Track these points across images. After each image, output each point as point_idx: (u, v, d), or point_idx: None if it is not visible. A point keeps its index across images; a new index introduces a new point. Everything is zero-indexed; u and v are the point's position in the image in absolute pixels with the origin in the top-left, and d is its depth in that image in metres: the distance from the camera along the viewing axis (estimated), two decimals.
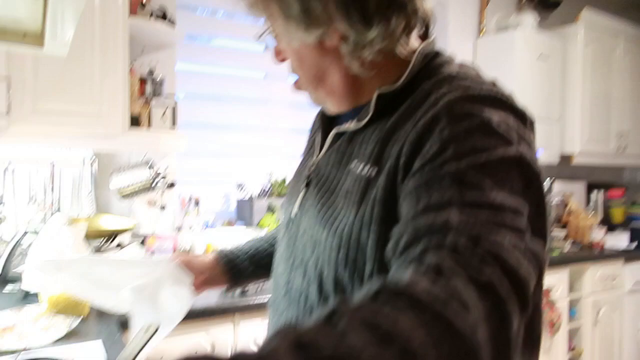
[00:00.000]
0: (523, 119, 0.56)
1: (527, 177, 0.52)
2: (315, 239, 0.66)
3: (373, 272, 0.59)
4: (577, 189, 3.26)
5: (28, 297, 1.51)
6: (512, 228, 0.47)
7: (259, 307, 1.56)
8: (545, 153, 2.85)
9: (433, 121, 0.55)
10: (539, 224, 0.51)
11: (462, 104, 0.54)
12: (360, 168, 0.63)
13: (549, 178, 3.06)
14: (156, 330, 0.71)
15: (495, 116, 0.53)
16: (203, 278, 0.89)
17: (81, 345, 1.17)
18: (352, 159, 0.65)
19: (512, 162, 0.51)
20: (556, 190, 3.08)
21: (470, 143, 0.52)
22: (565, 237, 2.89)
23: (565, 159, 2.99)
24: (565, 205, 3.02)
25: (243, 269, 0.94)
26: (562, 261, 2.52)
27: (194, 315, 1.48)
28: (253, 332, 1.58)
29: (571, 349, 2.64)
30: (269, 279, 0.88)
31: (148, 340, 0.71)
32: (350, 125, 0.67)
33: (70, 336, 1.22)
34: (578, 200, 3.19)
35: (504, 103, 0.56)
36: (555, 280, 2.48)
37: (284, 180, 2.46)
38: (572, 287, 2.61)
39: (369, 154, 0.63)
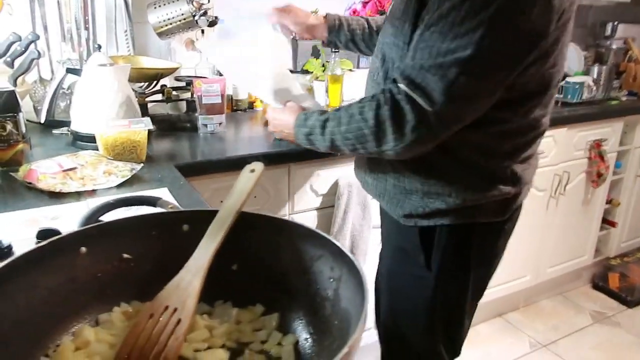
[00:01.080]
0: None
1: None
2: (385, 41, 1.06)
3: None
4: None
5: (78, 140, 1.44)
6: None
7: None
8: None
9: None
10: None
11: None
12: None
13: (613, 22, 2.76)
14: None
15: None
16: (310, 24, 1.32)
17: (150, 193, 1.10)
18: None
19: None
20: (619, 34, 2.79)
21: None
22: (621, 87, 2.68)
23: None
24: (627, 52, 2.75)
25: (342, 36, 1.35)
26: (618, 112, 2.37)
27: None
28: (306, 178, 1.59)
29: (608, 201, 2.61)
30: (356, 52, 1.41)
31: (256, 180, 0.64)
32: None
33: (133, 182, 1.16)
34: None
35: None
36: (608, 132, 2.35)
37: None
38: (622, 141, 2.48)
39: None
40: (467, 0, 0.82)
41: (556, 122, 2.09)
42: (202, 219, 0.60)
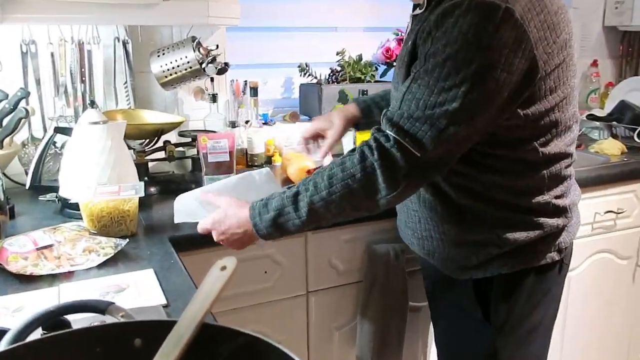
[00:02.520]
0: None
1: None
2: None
3: None
4: None
5: (67, 208, 1.43)
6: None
7: None
8: None
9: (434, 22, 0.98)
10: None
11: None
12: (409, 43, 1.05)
13: None
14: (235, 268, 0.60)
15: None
16: (342, 126, 1.39)
17: (132, 275, 1.06)
18: (411, 36, 1.05)
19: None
20: None
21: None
22: None
23: None
24: None
25: (376, 115, 1.40)
26: None
27: None
28: None
29: None
30: None
31: (227, 281, 0.58)
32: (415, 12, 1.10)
33: (118, 260, 1.14)
34: None
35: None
36: None
37: (359, 59, 2.21)
38: None
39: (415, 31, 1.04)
40: (448, 59, 0.93)
41: (638, 175, 1.97)
42: (157, 332, 0.54)
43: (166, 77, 1.71)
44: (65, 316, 0.70)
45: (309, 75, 2.19)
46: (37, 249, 1.11)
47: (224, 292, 0.59)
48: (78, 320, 0.72)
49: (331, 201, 1.01)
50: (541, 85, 0.99)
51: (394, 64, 2.26)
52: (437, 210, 1.14)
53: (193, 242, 1.31)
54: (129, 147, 1.58)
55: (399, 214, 1.29)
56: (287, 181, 1.75)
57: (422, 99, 0.96)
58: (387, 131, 0.99)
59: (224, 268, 0.60)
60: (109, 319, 0.65)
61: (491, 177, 1.07)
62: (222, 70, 1.75)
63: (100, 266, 1.11)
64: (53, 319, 0.64)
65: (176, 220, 1.26)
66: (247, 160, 1.97)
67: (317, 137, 1.42)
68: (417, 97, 0.97)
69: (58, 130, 1.53)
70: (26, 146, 1.70)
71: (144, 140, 1.72)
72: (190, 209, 1.26)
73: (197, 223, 1.18)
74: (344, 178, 1.00)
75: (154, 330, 0.55)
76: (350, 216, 1.06)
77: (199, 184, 1.66)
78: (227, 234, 1.12)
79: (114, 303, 0.67)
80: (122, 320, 0.64)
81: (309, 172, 1.70)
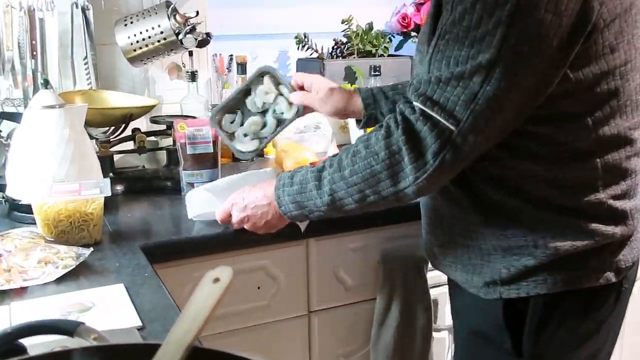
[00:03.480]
0: None
1: None
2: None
3: None
4: None
5: (15, 211, 1.44)
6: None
7: None
8: None
9: None
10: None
11: None
12: None
13: None
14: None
15: None
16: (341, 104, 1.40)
17: (99, 291, 1.08)
18: None
19: None
20: None
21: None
22: None
23: None
24: None
25: (383, 106, 1.40)
26: None
27: None
28: None
29: None
30: None
31: (221, 296, 0.58)
32: None
33: (80, 274, 1.15)
34: None
35: None
36: None
37: (369, 29, 2.22)
38: None
39: None
40: (478, 2, 0.93)
41: None
42: (139, 357, 0.55)
43: (135, 50, 1.71)
44: (21, 340, 0.71)
45: (308, 48, 2.21)
46: None
47: (217, 310, 0.60)
48: (35, 346, 0.73)
49: (352, 183, 1.05)
50: (597, 38, 0.96)
51: (412, 34, 2.29)
52: (461, 205, 1.13)
53: (172, 250, 1.32)
54: (91, 137, 1.59)
55: (422, 214, 1.30)
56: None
57: (451, 56, 0.97)
58: (413, 102, 1.00)
59: (216, 280, 0.60)
60: (77, 343, 0.66)
61: (529, 165, 1.04)
62: (202, 42, 1.75)
63: (59, 280, 1.11)
64: (8, 343, 0.65)
65: (190, 215, 1.39)
66: (233, 153, 1.98)
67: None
68: (446, 54, 0.97)
69: (3, 116, 1.54)
70: None
71: (108, 128, 1.73)
72: (203, 201, 1.36)
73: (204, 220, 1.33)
74: (366, 156, 1.03)
75: (135, 356, 0.56)
76: (375, 206, 1.08)
77: (175, 180, 1.67)
78: (250, 210, 1.22)
79: (83, 323, 0.68)
80: (94, 343, 0.65)
81: (311, 165, 1.71)
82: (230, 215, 1.26)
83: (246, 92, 1.48)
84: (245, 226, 1.24)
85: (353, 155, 1.05)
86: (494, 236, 1.10)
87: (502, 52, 0.92)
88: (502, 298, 1.12)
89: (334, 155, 1.11)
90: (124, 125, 1.71)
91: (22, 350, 0.71)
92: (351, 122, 2.01)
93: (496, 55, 0.92)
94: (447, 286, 1.36)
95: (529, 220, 1.07)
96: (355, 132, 1.94)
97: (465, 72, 0.94)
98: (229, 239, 1.37)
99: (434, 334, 1.63)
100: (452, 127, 0.96)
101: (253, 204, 1.20)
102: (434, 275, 1.56)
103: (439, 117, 0.96)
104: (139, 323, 0.97)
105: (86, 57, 1.82)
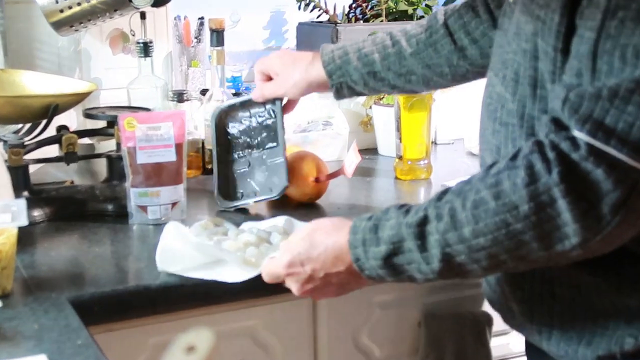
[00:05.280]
0: None
1: None
2: None
3: None
4: None
5: None
6: None
7: None
8: None
9: None
10: None
11: None
12: None
13: None
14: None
15: None
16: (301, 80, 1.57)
17: None
18: None
19: None
20: None
21: None
22: None
23: None
24: None
25: (353, 73, 1.55)
26: None
27: None
28: None
29: None
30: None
31: None
32: None
33: None
34: None
35: None
36: None
37: None
38: None
39: None
40: None
41: None
42: None
43: (61, 11, 1.74)
44: None
45: (313, 8, 2.23)
46: None
47: None
48: None
49: (478, 247, 1.03)
50: None
51: None
52: None
53: (116, 306, 1.33)
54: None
55: None
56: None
57: (630, 45, 0.94)
58: (575, 130, 0.98)
59: (191, 350, 0.62)
60: None
61: None
62: (160, 1, 1.77)
63: None
64: None
65: (161, 267, 1.38)
66: (204, 162, 1.99)
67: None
68: (622, 43, 0.94)
69: None
70: None
71: (21, 126, 1.74)
72: (193, 247, 1.37)
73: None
74: (498, 211, 1.01)
75: None
76: (515, 270, 1.11)
77: (119, 202, 1.67)
78: (319, 280, 1.19)
79: None
80: None
81: (316, 181, 1.71)
82: (283, 281, 1.25)
83: None
84: (306, 294, 1.23)
85: (474, 207, 1.03)
86: (617, 291, 1.11)
87: None
88: None
89: (439, 197, 1.08)
90: (45, 122, 1.71)
91: None
92: (377, 116, 2.03)
93: None
94: (523, 359, 1.37)
95: None
96: (384, 137, 1.95)
97: None
98: (199, 289, 1.37)
99: None
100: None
101: (323, 271, 1.18)
102: (501, 344, 1.56)
103: (619, 153, 0.94)
104: None
105: None
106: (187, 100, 1.97)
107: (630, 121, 0.93)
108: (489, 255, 1.03)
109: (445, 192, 1.08)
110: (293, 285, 1.21)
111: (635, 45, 0.93)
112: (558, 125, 1.00)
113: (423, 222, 1.06)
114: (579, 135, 0.96)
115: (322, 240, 1.17)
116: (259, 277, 1.29)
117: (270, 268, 1.23)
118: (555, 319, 1.17)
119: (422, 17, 2.24)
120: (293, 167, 1.77)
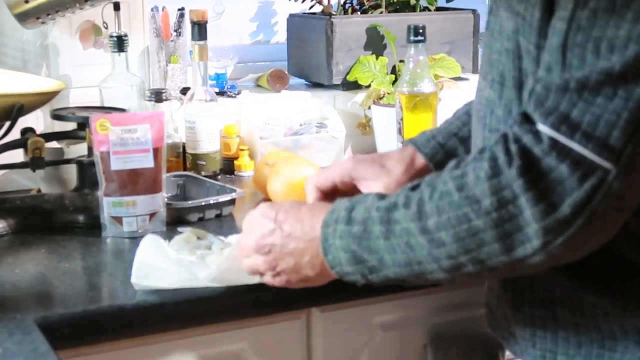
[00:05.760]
0: None
1: None
2: None
3: None
4: None
5: None
6: None
7: None
8: None
9: None
10: None
11: None
12: None
13: None
14: None
15: None
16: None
17: None
18: None
19: None
20: None
21: None
22: None
23: None
24: None
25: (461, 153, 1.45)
26: None
27: None
28: None
29: None
30: None
31: None
32: None
33: None
34: None
35: None
36: None
37: None
38: None
39: None
40: None
41: None
42: None
43: (27, 1, 1.74)
44: None
45: None
46: None
47: None
48: None
49: (439, 243, 1.04)
50: None
51: None
52: (568, 262, 1.09)
53: (88, 328, 1.32)
54: None
55: None
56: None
57: (603, 38, 0.94)
58: (539, 123, 0.98)
59: None
60: None
61: None
62: None
63: None
64: None
65: (135, 281, 1.36)
66: (185, 168, 1.99)
67: (342, 190, 1.46)
68: (594, 36, 0.95)
69: None
70: None
71: None
72: (170, 262, 1.37)
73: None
74: (460, 204, 1.02)
75: None
76: (476, 278, 1.11)
77: (91, 213, 1.67)
78: (286, 249, 1.19)
79: None
80: None
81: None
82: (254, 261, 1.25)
83: None
84: (276, 281, 1.23)
85: (440, 198, 1.03)
86: (624, 311, 1.11)
87: None
88: None
89: (414, 186, 1.09)
90: (8, 124, 1.72)
91: None
92: (376, 117, 2.03)
93: None
94: None
95: None
96: (386, 137, 1.95)
97: (628, 67, 0.92)
98: (181, 309, 1.38)
99: None
100: (606, 165, 0.94)
101: (290, 240, 1.19)
102: None
103: (584, 149, 0.94)
104: None
105: None
106: (166, 100, 1.97)
107: (598, 114, 0.93)
108: (448, 255, 1.02)
109: (416, 184, 1.09)
110: (260, 257, 1.22)
111: (610, 38, 0.93)
112: (525, 118, 1.00)
113: (392, 206, 1.08)
114: (542, 128, 0.97)
115: (303, 210, 1.21)
116: (246, 290, 1.30)
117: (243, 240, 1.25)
118: (559, 344, 1.18)
119: (425, 8, 2.25)
120: (289, 171, 1.77)
